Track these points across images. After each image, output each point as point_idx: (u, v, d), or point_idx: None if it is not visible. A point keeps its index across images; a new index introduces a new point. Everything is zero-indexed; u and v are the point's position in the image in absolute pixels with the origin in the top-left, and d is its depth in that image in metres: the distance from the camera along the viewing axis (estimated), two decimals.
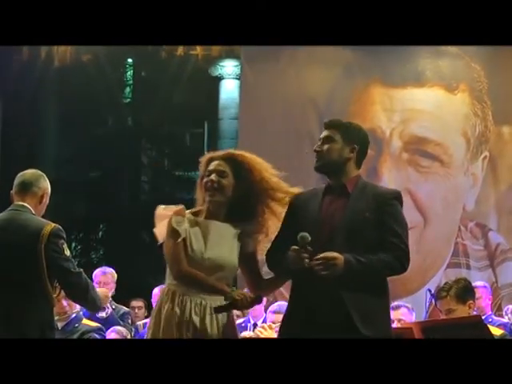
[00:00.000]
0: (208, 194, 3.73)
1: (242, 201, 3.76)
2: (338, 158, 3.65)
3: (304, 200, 3.70)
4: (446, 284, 4.67)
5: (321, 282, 3.45)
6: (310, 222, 3.59)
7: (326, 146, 3.65)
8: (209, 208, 3.77)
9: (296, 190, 3.79)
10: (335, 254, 3.43)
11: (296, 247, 3.50)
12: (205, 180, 3.75)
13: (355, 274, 3.46)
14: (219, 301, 3.64)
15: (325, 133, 3.69)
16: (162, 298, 3.74)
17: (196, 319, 3.63)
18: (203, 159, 3.84)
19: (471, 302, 4.60)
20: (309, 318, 3.51)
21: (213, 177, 3.72)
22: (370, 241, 3.53)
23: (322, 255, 3.42)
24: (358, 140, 3.69)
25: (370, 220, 3.54)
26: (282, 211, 3.77)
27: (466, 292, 4.60)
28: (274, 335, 4.46)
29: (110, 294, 4.09)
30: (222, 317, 3.68)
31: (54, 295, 3.94)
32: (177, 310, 3.64)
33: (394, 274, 3.58)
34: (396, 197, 3.67)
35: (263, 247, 3.81)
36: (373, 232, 3.54)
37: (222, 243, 3.72)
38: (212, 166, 3.76)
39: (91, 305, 4.09)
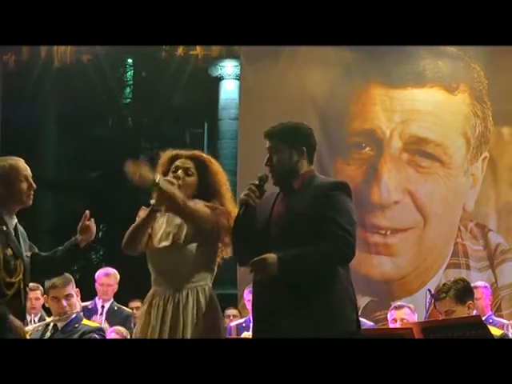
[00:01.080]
0: None
1: (205, 199, 3.84)
2: (290, 165, 3.66)
3: (261, 202, 3.71)
4: (444, 285, 4.66)
5: (266, 282, 3.49)
6: (261, 223, 3.63)
7: (274, 159, 3.66)
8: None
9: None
10: (265, 255, 3.43)
11: (254, 182, 3.61)
12: (171, 176, 3.82)
13: (292, 269, 3.45)
14: (200, 294, 3.75)
15: (268, 144, 3.69)
16: (147, 300, 3.85)
17: (176, 314, 3.72)
18: (166, 155, 3.95)
19: (470, 302, 4.59)
20: (263, 319, 3.57)
21: (179, 173, 3.81)
22: (310, 236, 3.49)
23: (252, 260, 3.45)
24: (302, 140, 3.69)
25: (309, 214, 3.52)
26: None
27: (464, 293, 4.59)
28: None
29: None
30: (206, 311, 3.75)
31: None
32: (158, 309, 3.75)
33: (338, 263, 3.54)
34: (336, 187, 3.62)
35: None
36: (313, 226, 3.51)
37: (177, 232, 3.80)
38: (179, 163, 3.86)
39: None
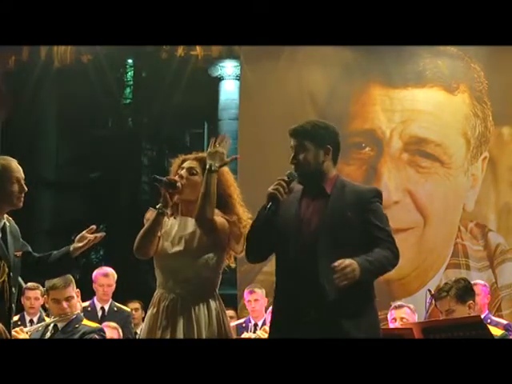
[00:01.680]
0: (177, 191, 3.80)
1: None
2: (315, 164, 3.63)
3: (283, 202, 3.63)
4: (446, 284, 4.66)
5: (303, 279, 3.47)
6: (287, 222, 3.59)
7: (300, 157, 3.63)
8: (180, 205, 3.85)
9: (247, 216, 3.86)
10: (348, 261, 3.37)
11: (283, 178, 3.57)
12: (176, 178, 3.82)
13: (369, 276, 3.47)
14: (206, 295, 3.75)
15: (293, 142, 3.67)
16: (152, 304, 3.81)
17: (184, 316, 3.71)
18: (176, 161, 3.95)
19: (471, 302, 4.59)
20: (294, 317, 3.51)
21: (182, 172, 3.81)
22: (353, 239, 3.51)
23: (338, 266, 3.34)
24: (329, 139, 3.67)
25: (352, 219, 3.53)
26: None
27: (465, 292, 4.59)
28: None
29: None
30: (215, 315, 3.75)
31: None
32: (165, 311, 3.73)
33: (392, 268, 3.57)
34: (376, 195, 3.65)
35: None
36: (356, 231, 3.53)
37: (189, 237, 3.78)
38: (184, 165, 3.87)
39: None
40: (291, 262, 3.54)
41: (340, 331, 3.42)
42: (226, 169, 3.91)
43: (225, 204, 3.83)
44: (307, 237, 3.54)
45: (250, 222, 3.78)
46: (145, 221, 3.89)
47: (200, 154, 3.93)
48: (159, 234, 3.81)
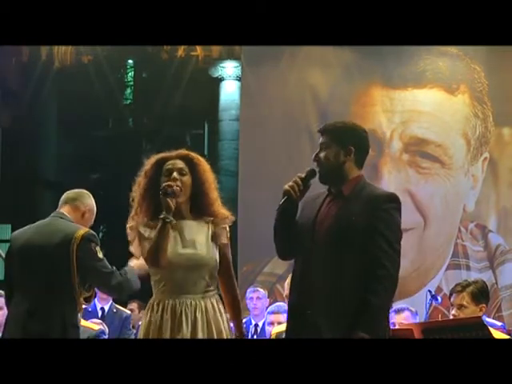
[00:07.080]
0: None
1: (199, 197, 3.80)
2: (335, 163, 3.58)
3: (307, 202, 3.65)
4: (465, 281, 4.70)
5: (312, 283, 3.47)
6: (305, 225, 3.57)
7: (322, 154, 3.60)
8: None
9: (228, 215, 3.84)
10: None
11: (300, 175, 3.54)
12: (165, 183, 3.73)
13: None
14: (208, 298, 3.72)
15: (320, 139, 3.65)
16: (149, 310, 3.75)
17: (188, 320, 3.67)
18: (151, 160, 3.89)
19: (483, 305, 4.60)
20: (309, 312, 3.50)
21: (175, 175, 3.74)
22: (357, 245, 3.44)
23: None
24: (354, 140, 3.62)
25: (358, 223, 3.45)
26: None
27: (481, 294, 4.61)
28: None
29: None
30: (214, 314, 3.72)
31: (81, 296, 4.19)
32: (167, 316, 3.68)
33: (389, 288, 3.47)
34: (390, 200, 3.54)
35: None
36: (359, 237, 3.44)
37: (196, 240, 3.74)
38: (170, 165, 3.79)
39: (128, 293, 4.37)
40: (305, 263, 3.53)
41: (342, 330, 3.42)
42: (202, 161, 3.85)
43: (202, 195, 3.79)
44: (317, 237, 3.52)
45: (229, 216, 3.81)
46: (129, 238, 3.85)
47: (180, 152, 3.86)
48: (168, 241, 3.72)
